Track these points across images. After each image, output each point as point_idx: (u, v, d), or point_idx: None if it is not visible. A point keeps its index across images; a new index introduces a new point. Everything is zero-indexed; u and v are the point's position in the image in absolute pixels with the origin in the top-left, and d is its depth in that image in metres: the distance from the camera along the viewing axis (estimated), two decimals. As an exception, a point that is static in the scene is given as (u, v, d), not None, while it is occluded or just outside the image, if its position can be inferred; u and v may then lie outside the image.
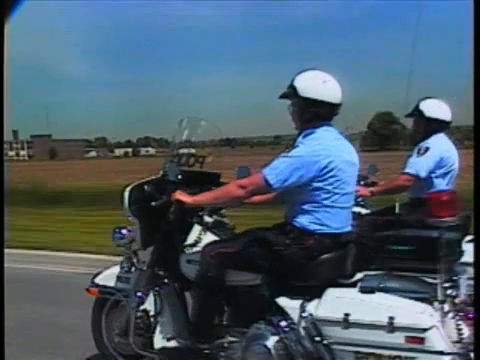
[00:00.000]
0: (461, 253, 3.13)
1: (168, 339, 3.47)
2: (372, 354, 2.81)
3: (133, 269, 3.64)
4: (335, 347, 2.91)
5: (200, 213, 3.55)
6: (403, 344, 2.74)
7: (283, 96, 3.24)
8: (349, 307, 2.88)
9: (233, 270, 3.26)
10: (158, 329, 3.53)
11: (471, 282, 3.04)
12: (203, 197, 3.26)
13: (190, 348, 3.31)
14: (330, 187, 3.08)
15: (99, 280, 3.83)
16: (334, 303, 2.93)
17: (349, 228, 3.23)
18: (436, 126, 4.53)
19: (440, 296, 2.84)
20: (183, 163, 3.62)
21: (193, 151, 3.72)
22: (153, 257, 3.54)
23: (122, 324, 3.63)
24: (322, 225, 3.11)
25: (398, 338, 2.74)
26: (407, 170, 4.42)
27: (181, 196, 3.25)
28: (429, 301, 2.86)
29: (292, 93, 3.19)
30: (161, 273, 3.57)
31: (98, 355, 3.96)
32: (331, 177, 3.07)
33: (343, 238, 3.16)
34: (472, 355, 2.80)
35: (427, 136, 4.53)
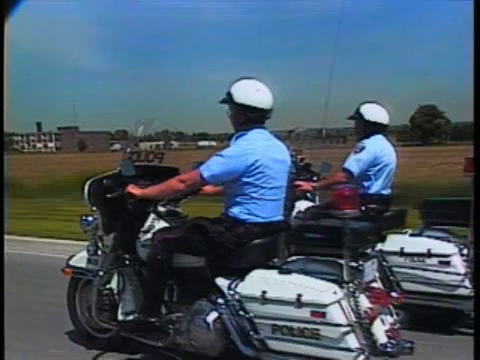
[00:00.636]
0: (368, 241, 3.56)
1: (127, 313, 4.01)
2: (285, 326, 3.29)
3: (99, 252, 4.19)
4: (256, 321, 3.39)
5: (160, 203, 4.07)
6: (309, 317, 3.20)
7: (222, 101, 3.74)
8: (267, 286, 3.36)
9: (179, 254, 3.78)
10: (120, 305, 4.07)
11: (374, 266, 3.51)
12: (150, 190, 3.79)
13: (143, 321, 3.84)
14: (258, 182, 3.57)
15: (73, 262, 4.39)
16: (255, 282, 3.42)
17: (279, 218, 3.71)
18: (374, 128, 5.01)
19: (346, 277, 3.29)
20: (142, 159, 4.14)
21: (153, 148, 4.24)
22: (115, 242, 4.08)
23: (91, 301, 4.20)
24: (251, 215, 3.60)
25: (305, 312, 3.21)
26: (344, 166, 4.91)
27: (132, 189, 3.80)
28: (338, 282, 3.32)
29: (228, 99, 3.68)
30: (123, 256, 4.11)
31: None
32: (258, 173, 3.55)
33: (272, 226, 3.64)
34: (373, 326, 3.28)
35: (366, 136, 5.00)
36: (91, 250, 4.17)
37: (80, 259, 4.33)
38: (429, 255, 4.62)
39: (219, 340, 3.57)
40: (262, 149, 3.58)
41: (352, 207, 3.23)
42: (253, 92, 3.63)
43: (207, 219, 3.78)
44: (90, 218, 4.11)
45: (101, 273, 4.03)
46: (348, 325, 3.15)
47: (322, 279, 3.35)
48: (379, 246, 4.82)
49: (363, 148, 4.96)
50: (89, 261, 4.26)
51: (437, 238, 4.79)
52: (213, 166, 3.55)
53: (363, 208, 4.79)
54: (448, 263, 4.57)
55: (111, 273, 4.12)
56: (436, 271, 4.60)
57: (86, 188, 3.90)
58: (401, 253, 4.73)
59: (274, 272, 3.45)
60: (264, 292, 3.34)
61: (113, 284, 4.13)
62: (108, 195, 3.85)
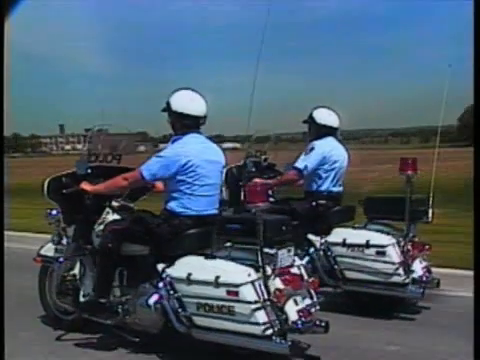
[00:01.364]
0: (282, 231, 4.04)
1: (85, 296, 4.58)
2: (206, 304, 3.81)
3: (64, 242, 4.77)
4: (183, 299, 3.92)
5: (114, 199, 4.64)
6: (225, 296, 3.72)
7: (162, 110, 4.31)
8: (192, 269, 3.89)
9: (127, 243, 4.34)
10: (81, 289, 4.64)
11: (291, 253, 4.00)
12: (99, 186, 4.37)
13: (95, 302, 4.40)
14: (190, 179, 4.12)
15: (42, 251, 4.95)
16: (182, 266, 3.96)
17: (212, 211, 4.25)
18: (325, 130, 5.55)
19: (260, 262, 3.79)
20: (102, 160, 4.72)
21: (110, 150, 4.83)
22: (75, 233, 4.66)
23: (58, 285, 4.78)
24: (185, 208, 4.15)
25: (222, 292, 3.73)
26: (294, 165, 5.45)
27: (85, 186, 4.39)
28: (254, 266, 3.82)
29: (166, 108, 4.26)
30: (83, 245, 4.68)
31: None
32: (191, 172, 4.11)
33: (205, 219, 4.17)
34: (286, 306, 3.77)
35: (318, 138, 5.52)
36: (55, 240, 4.75)
37: (48, 249, 4.90)
38: (367, 246, 5.09)
39: (159, 319, 4.10)
40: (195, 151, 4.13)
41: (262, 200, 3.75)
42: (187, 101, 4.19)
43: (149, 212, 4.33)
44: (54, 211, 4.67)
45: (61, 260, 4.61)
46: (258, 302, 3.66)
47: (242, 264, 3.85)
48: (325, 238, 5.36)
49: (312, 149, 5.50)
50: (56, 250, 4.83)
51: (377, 231, 5.28)
52: (151, 166, 4.12)
53: (314, 204, 5.37)
54: (384, 253, 5.03)
55: (73, 261, 4.68)
56: (373, 260, 5.07)
57: (45, 185, 4.50)
58: (343, 244, 5.23)
59: (200, 258, 3.98)
60: (189, 274, 3.88)
61: (75, 271, 4.68)
62: (64, 191, 4.44)
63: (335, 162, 5.56)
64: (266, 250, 3.84)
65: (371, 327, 4.88)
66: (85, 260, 4.66)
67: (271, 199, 5.78)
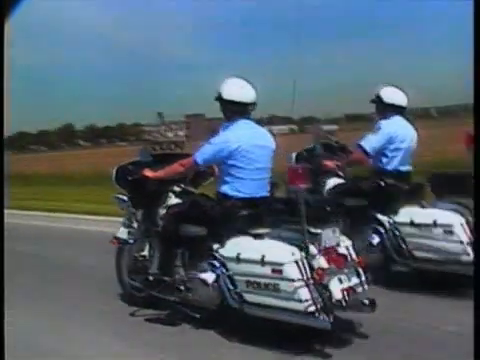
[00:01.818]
0: (326, 212, 4.18)
1: (152, 275, 4.96)
2: (255, 282, 4.03)
3: (135, 225, 5.18)
4: (234, 277, 4.18)
5: (176, 184, 4.98)
6: (270, 274, 3.93)
7: (216, 99, 4.57)
8: (241, 249, 4.13)
9: (186, 224, 4.66)
10: (150, 268, 5.03)
11: (336, 234, 4.13)
12: (160, 173, 4.71)
13: (159, 280, 4.76)
14: (241, 164, 4.35)
15: (118, 234, 5.41)
16: (233, 246, 4.21)
17: (263, 194, 4.46)
18: (392, 109, 5.53)
19: (305, 242, 3.97)
20: (165, 148, 5.08)
21: (177, 136, 5.18)
22: (143, 216, 5.05)
23: (130, 265, 5.22)
24: (236, 191, 4.39)
25: (267, 270, 3.94)
26: (359, 143, 5.53)
27: (147, 172, 4.75)
28: (300, 246, 4.01)
29: (218, 96, 4.51)
30: (151, 227, 5.07)
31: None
32: (241, 156, 4.34)
33: (256, 201, 4.40)
34: (331, 284, 3.93)
35: (385, 117, 5.54)
36: (126, 224, 5.17)
37: (122, 232, 5.34)
38: (435, 225, 5.08)
39: (216, 296, 4.39)
40: (244, 137, 4.36)
41: (304, 182, 3.91)
42: (237, 89, 4.42)
43: (205, 196, 4.63)
44: (125, 197, 5.10)
45: (131, 242, 5.03)
46: (301, 280, 3.83)
47: (289, 243, 4.04)
48: (393, 218, 5.41)
49: (379, 128, 5.55)
50: (128, 233, 5.26)
51: (445, 209, 5.23)
52: (204, 152, 4.41)
53: (382, 183, 5.44)
54: (452, 232, 5.00)
55: (143, 242, 5.09)
56: (441, 240, 5.06)
57: (114, 172, 4.92)
58: (411, 224, 5.25)
59: (250, 238, 4.22)
60: (238, 253, 4.12)
61: (145, 251, 5.08)
62: (129, 177, 4.84)
63: (402, 141, 5.57)
64: (312, 230, 3.99)
65: (437, 306, 4.89)
66: (153, 241, 5.02)
67: (340, 180, 5.95)
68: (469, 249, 4.92)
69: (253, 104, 4.45)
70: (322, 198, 4.23)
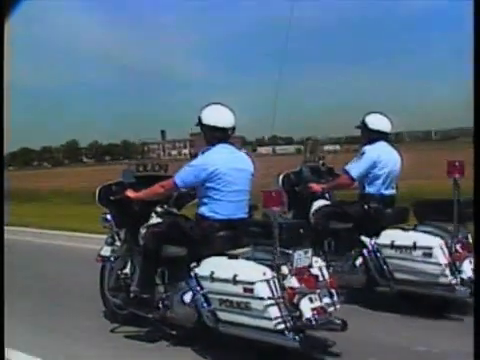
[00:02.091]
0: (299, 234, 4.32)
1: (132, 292, 5.10)
2: (227, 300, 4.15)
3: (117, 243, 5.33)
4: (208, 295, 4.31)
5: (158, 205, 5.14)
6: (242, 293, 4.06)
7: (196, 124, 4.75)
8: (215, 268, 4.26)
9: (166, 245, 4.80)
10: (131, 286, 5.17)
11: (308, 255, 4.27)
12: (141, 193, 4.87)
13: (139, 297, 4.89)
14: (218, 186, 4.50)
15: (102, 252, 5.55)
16: (207, 265, 4.33)
17: (240, 215, 4.60)
18: (377, 135, 5.72)
19: (276, 262, 4.10)
20: (149, 169, 5.25)
21: (159, 161, 5.34)
22: (126, 235, 5.21)
23: (112, 282, 5.35)
24: (214, 213, 4.52)
25: (239, 289, 4.07)
26: (344, 168, 5.73)
27: (129, 193, 4.91)
28: (271, 266, 4.14)
29: (199, 121, 4.70)
30: (133, 246, 5.21)
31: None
32: (218, 179, 4.49)
33: (234, 223, 4.54)
34: (301, 303, 4.05)
35: (370, 143, 5.73)
36: (109, 241, 5.32)
37: (106, 249, 5.49)
38: (415, 247, 5.20)
39: (193, 314, 4.51)
40: (221, 160, 4.52)
41: (277, 205, 4.07)
42: (216, 115, 4.61)
43: (184, 217, 4.79)
44: (108, 216, 5.26)
45: (112, 259, 5.18)
46: (271, 299, 3.95)
47: (262, 264, 4.17)
48: (374, 240, 5.56)
49: (363, 153, 5.74)
50: (112, 251, 5.41)
51: (426, 232, 5.36)
52: (183, 174, 4.57)
53: (365, 206, 5.60)
54: (430, 254, 5.12)
55: (125, 260, 5.23)
56: (421, 261, 5.17)
57: (97, 192, 5.08)
58: (392, 246, 5.37)
59: (224, 258, 4.35)
60: (212, 272, 4.25)
61: (127, 269, 5.22)
62: (111, 197, 5.00)
63: (385, 166, 5.73)
64: (285, 251, 4.14)
65: (411, 326, 4.99)
66: (135, 260, 5.16)
67: (326, 202, 6.12)
68: (447, 271, 5.04)
69: (232, 129, 4.62)
70: (297, 221, 4.35)
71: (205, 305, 4.31)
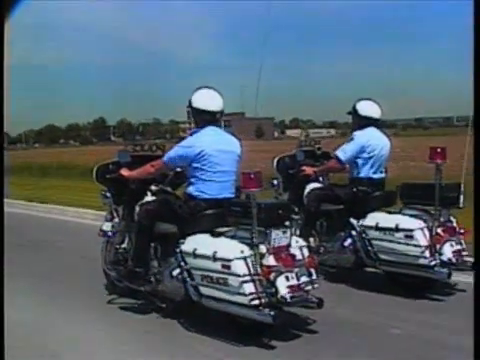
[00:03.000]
0: (278, 214, 4.49)
1: (129, 266, 5.36)
2: (208, 276, 4.36)
3: (116, 219, 5.60)
4: (192, 271, 4.53)
5: (153, 183, 5.37)
6: (220, 269, 4.25)
7: (187, 107, 4.94)
8: (197, 245, 4.47)
9: (159, 221, 5.04)
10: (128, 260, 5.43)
11: (287, 234, 4.44)
12: (134, 172, 5.10)
13: (133, 270, 5.15)
14: (204, 167, 4.67)
15: (103, 227, 5.82)
16: (191, 242, 4.53)
17: (226, 195, 4.76)
18: (367, 122, 5.84)
19: (255, 241, 4.29)
20: (146, 149, 5.49)
21: (158, 141, 5.57)
22: (124, 212, 5.47)
23: (111, 256, 5.64)
24: (200, 192, 4.70)
25: (218, 265, 4.27)
26: (335, 153, 5.86)
27: (123, 172, 5.16)
28: (251, 244, 4.34)
29: (189, 104, 4.89)
30: (131, 222, 5.45)
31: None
32: (204, 160, 4.66)
33: (220, 202, 4.73)
34: (277, 281, 4.23)
35: (360, 128, 5.86)
36: (108, 218, 5.58)
37: (107, 225, 5.75)
38: (397, 229, 5.37)
39: (180, 287, 4.75)
40: (208, 142, 4.69)
41: (255, 186, 4.25)
42: (206, 99, 4.77)
43: (175, 195, 5.01)
44: (107, 193, 5.52)
45: (110, 235, 5.45)
46: (246, 276, 4.14)
47: (243, 242, 4.37)
48: (361, 222, 5.74)
49: (352, 139, 5.89)
50: (112, 226, 5.68)
51: (409, 215, 5.50)
52: (171, 155, 4.76)
53: (354, 189, 5.76)
54: (412, 236, 5.28)
55: (124, 236, 5.49)
56: (402, 243, 5.35)
57: (94, 170, 5.34)
58: (376, 228, 5.55)
59: (207, 235, 4.56)
60: (195, 249, 4.46)
61: (125, 244, 5.49)
62: (107, 176, 5.26)
63: (373, 151, 5.84)
64: (265, 231, 4.32)
65: (394, 307, 5.19)
66: (132, 235, 5.42)
67: (319, 185, 6.29)
68: (427, 253, 5.20)
69: (221, 112, 4.79)
70: (277, 201, 4.54)
71: (188, 280, 4.51)
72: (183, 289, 4.65)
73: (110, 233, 5.41)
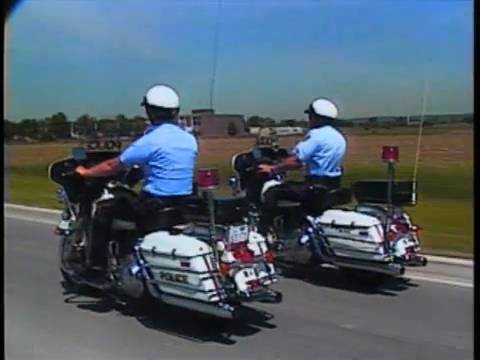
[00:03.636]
0: (235, 211, 4.56)
1: (87, 264, 5.34)
2: (167, 274, 4.37)
3: (73, 217, 5.56)
4: (151, 269, 4.54)
5: (110, 181, 5.35)
6: (180, 266, 4.28)
7: (141, 104, 4.93)
8: (156, 243, 4.48)
9: (116, 219, 5.04)
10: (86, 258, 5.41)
11: (245, 231, 4.50)
12: (90, 170, 5.07)
13: (90, 269, 5.15)
14: (161, 165, 4.65)
15: (60, 225, 5.78)
16: (150, 240, 4.51)
17: (183, 192, 4.79)
18: (323, 120, 5.95)
19: (213, 237, 4.33)
20: (102, 146, 5.46)
21: (114, 138, 5.56)
22: (81, 209, 5.43)
23: (69, 254, 5.60)
24: (157, 190, 4.69)
25: (177, 263, 4.29)
26: (292, 151, 5.92)
27: (79, 169, 5.12)
28: (209, 241, 4.39)
29: (144, 101, 4.88)
30: (87, 220, 5.43)
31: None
32: (160, 158, 4.65)
33: (177, 199, 4.74)
34: (236, 276, 4.29)
35: (317, 127, 5.96)
36: (65, 216, 5.54)
37: (64, 223, 5.71)
38: (352, 227, 5.50)
39: (139, 285, 4.76)
40: (164, 139, 4.68)
41: (212, 184, 4.29)
42: (161, 96, 4.76)
43: (132, 193, 5.01)
44: (63, 192, 5.48)
45: (66, 233, 5.41)
46: (206, 273, 4.18)
47: (201, 239, 4.41)
48: (317, 219, 5.81)
49: (308, 137, 5.98)
50: (69, 224, 5.64)
51: (364, 213, 5.61)
52: (127, 153, 4.74)
53: (311, 187, 5.87)
54: (366, 233, 5.42)
55: (81, 233, 5.47)
56: (357, 240, 5.48)
57: (49, 168, 5.27)
58: (332, 225, 5.66)
59: (165, 233, 4.58)
60: (154, 247, 4.46)
61: (83, 242, 5.46)
62: (62, 174, 5.21)
63: (329, 149, 5.95)
64: (222, 227, 4.37)
65: (340, 300, 5.36)
66: (89, 233, 5.40)
67: (277, 182, 6.38)
68: (381, 249, 5.34)
69: (176, 109, 4.80)
70: (234, 198, 4.60)
71: (148, 278, 4.52)
72: (142, 287, 4.63)
73: (67, 231, 5.32)
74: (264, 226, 6.02)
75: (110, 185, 5.12)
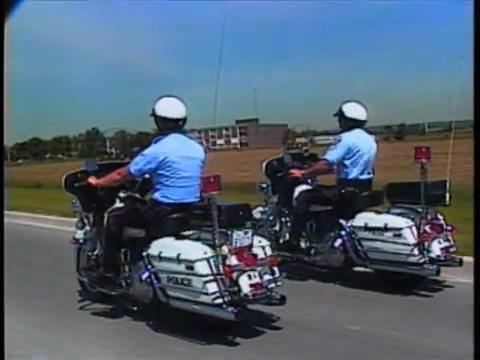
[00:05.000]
0: (238, 216, 4.77)
1: (100, 272, 5.58)
2: (173, 278, 4.88)
3: (87, 227, 5.80)
4: (158, 274, 4.85)
5: (122, 190, 5.60)
6: (184, 270, 4.66)
7: (150, 115, 5.16)
8: (163, 248, 4.93)
9: (127, 227, 5.26)
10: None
11: (248, 235, 4.68)
12: (101, 180, 5.46)
13: (103, 276, 5.41)
14: (168, 173, 5.22)
15: (75, 234, 6.08)
16: (157, 246, 5.09)
17: (191, 199, 5.19)
18: (353, 123, 6.53)
19: (217, 242, 4.54)
20: (114, 158, 5.69)
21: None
22: (94, 219, 5.75)
23: (84, 263, 5.84)
24: (165, 197, 5.27)
25: (182, 267, 4.73)
26: (323, 156, 6.64)
27: (91, 180, 5.42)
28: (213, 245, 4.56)
29: (153, 112, 5.13)
30: (101, 229, 5.70)
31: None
32: (168, 166, 5.16)
33: (184, 206, 5.05)
34: (240, 279, 4.47)
35: (347, 130, 6.47)
36: (79, 225, 5.88)
37: (79, 233, 6.03)
38: (385, 229, 6.02)
39: (149, 290, 5.01)
40: (171, 149, 5.24)
41: (215, 189, 4.47)
42: (169, 107, 5.28)
43: (143, 201, 5.23)
44: (78, 202, 5.73)
45: (81, 242, 5.67)
46: (209, 276, 4.53)
47: (206, 244, 4.63)
48: (350, 222, 6.30)
49: (339, 140, 6.70)
50: (84, 234, 5.93)
51: (397, 214, 6.16)
52: (136, 162, 5.44)
53: (342, 191, 6.05)
54: (400, 235, 5.90)
55: (94, 242, 5.73)
56: (391, 242, 5.95)
57: (63, 180, 5.62)
58: (365, 227, 6.22)
59: (171, 238, 4.88)
60: (160, 252, 4.87)
61: (96, 251, 5.73)
62: (75, 184, 5.48)
63: (361, 152, 6.53)
64: (227, 232, 4.61)
65: (372, 305, 5.60)
66: (102, 241, 5.63)
67: (308, 187, 6.52)
68: (416, 251, 5.88)
69: (184, 119, 5.07)
70: (237, 203, 4.78)
71: (156, 282, 4.82)
72: (152, 292, 5.02)
73: (82, 240, 5.71)
74: (296, 231, 6.75)
75: (122, 194, 5.48)
